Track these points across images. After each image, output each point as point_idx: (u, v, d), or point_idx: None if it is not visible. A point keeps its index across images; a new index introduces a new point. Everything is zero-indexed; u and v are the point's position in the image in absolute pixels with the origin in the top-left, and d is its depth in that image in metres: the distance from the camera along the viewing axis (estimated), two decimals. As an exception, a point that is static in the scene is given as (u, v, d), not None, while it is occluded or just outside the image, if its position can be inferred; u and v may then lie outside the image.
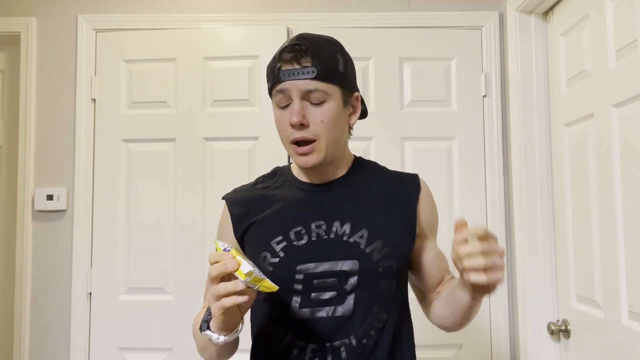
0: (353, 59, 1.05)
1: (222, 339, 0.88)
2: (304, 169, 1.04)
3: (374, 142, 2.04)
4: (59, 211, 2.03)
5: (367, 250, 0.99)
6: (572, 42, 1.66)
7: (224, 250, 0.85)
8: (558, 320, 1.75)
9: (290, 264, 0.98)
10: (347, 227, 1.00)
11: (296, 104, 0.96)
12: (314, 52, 0.95)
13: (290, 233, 1.00)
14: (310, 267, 0.97)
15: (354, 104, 1.04)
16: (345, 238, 0.98)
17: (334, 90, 0.97)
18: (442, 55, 2.05)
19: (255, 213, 1.05)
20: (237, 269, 0.80)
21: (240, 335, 0.92)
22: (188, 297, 2.00)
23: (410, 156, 2.02)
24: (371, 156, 2.00)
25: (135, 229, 2.02)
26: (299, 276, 0.97)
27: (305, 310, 0.98)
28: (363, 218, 1.01)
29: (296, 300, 0.98)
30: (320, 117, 0.97)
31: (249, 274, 0.80)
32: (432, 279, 1.11)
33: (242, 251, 1.07)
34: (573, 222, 1.67)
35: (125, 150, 2.06)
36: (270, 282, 0.83)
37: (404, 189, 1.07)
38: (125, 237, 2.02)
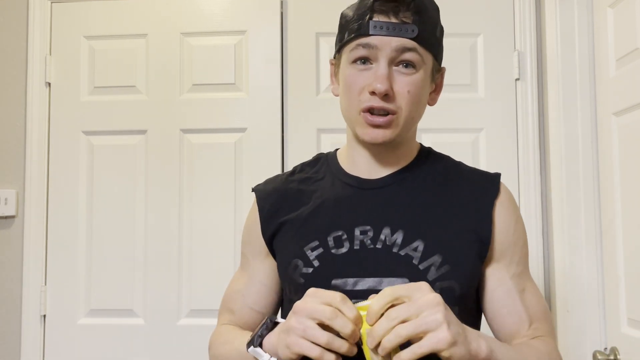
0: None
1: None
2: (360, 148, 0.99)
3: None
4: (6, 217, 1.99)
5: (421, 266, 0.92)
6: (623, 15, 1.61)
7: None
8: (606, 349, 1.67)
9: (324, 277, 0.93)
10: (398, 236, 0.94)
11: (383, 66, 0.90)
12: (418, 7, 0.90)
13: (328, 238, 0.95)
14: (349, 282, 0.92)
15: (438, 81, 1.00)
16: (394, 249, 0.93)
17: (428, 59, 0.93)
18: (466, 30, 2.00)
19: (288, 210, 1.01)
20: (358, 338, 0.75)
21: None
22: (162, 321, 1.94)
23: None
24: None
25: (98, 239, 1.98)
26: None
27: None
28: (420, 226, 0.95)
29: None
30: (407, 87, 0.91)
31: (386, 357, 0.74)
32: (499, 328, 0.97)
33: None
34: (624, 231, 1.60)
35: (87, 144, 2.02)
36: None
37: (478, 191, 0.99)
38: (87, 249, 1.98)
